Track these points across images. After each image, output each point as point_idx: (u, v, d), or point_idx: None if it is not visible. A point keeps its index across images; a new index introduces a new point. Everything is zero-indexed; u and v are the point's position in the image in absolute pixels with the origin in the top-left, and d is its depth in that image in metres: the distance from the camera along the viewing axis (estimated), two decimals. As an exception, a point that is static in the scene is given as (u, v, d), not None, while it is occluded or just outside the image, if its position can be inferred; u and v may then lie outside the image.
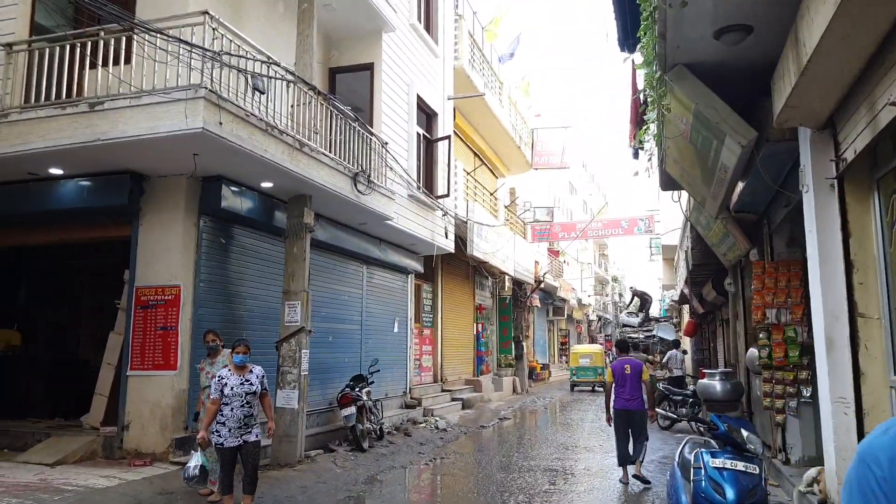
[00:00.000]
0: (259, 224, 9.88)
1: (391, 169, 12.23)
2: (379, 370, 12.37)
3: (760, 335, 8.06)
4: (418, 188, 13.63)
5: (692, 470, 5.02)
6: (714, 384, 10.72)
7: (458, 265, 18.93)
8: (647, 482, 8.30)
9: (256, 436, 6.21)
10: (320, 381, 11.61)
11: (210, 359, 7.41)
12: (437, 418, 14.71)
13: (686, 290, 17.28)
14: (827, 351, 4.98)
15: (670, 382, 16.45)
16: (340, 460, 9.95)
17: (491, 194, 20.46)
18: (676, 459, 5.75)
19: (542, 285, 27.70)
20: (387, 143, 12.08)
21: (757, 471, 4.85)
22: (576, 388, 25.58)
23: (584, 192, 50.13)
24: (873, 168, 4.74)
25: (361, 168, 10.77)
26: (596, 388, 24.74)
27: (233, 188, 9.07)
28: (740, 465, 4.83)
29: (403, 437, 12.46)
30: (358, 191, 10.59)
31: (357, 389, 11.36)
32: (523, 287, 25.22)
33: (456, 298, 19.47)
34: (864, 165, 4.75)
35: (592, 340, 48.57)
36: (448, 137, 15.07)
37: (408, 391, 15.33)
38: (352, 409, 10.77)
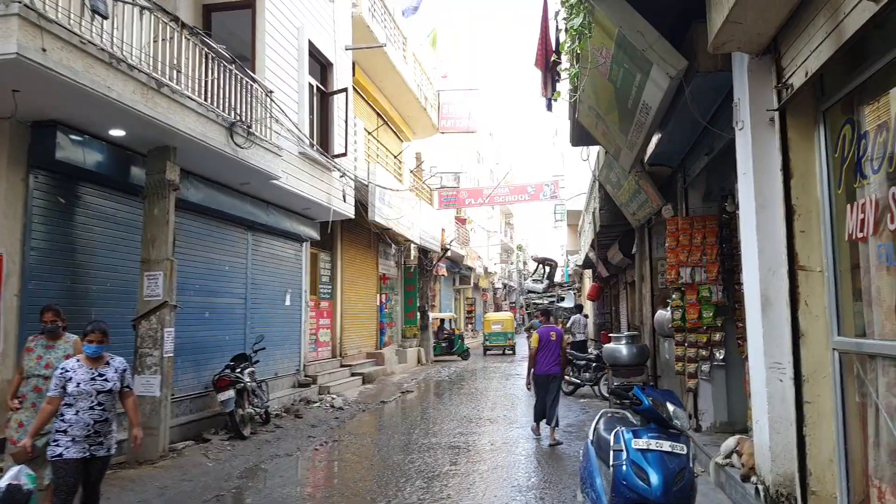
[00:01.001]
0: (110, 181, 8.36)
1: (277, 121, 10.90)
2: (265, 348, 11.15)
3: (673, 296, 7.50)
4: (311, 145, 12.34)
5: (612, 452, 4.27)
6: (620, 348, 10.28)
7: (360, 232, 17.77)
8: (559, 442, 8.83)
9: (109, 450, 4.79)
10: (194, 363, 10.31)
11: (46, 341, 5.98)
12: (334, 396, 13.67)
13: (591, 254, 16.94)
14: (762, 310, 4.31)
15: (573, 347, 16.14)
16: (214, 451, 8.77)
17: (395, 157, 19.34)
18: (591, 437, 5.01)
19: (449, 253, 27.00)
20: (272, 92, 10.72)
21: (684, 450, 4.15)
22: (488, 353, 27.29)
23: (490, 160, 49.73)
24: (819, 99, 4.05)
25: (240, 118, 9.43)
26: (506, 351, 27.06)
27: (72, 136, 7.54)
28: (666, 445, 4.12)
29: (293, 420, 11.35)
30: (235, 143, 9.24)
31: (238, 370, 10.16)
32: (429, 255, 24.40)
33: (357, 268, 18.35)
34: (809, 95, 4.05)
35: (498, 308, 48.77)
36: (345, 90, 13.79)
37: (301, 369, 14.17)
38: (230, 393, 9.56)
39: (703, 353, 7.24)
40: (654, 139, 6.93)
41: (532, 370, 9.07)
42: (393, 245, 20.24)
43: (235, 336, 11.60)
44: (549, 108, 8.66)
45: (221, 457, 8.54)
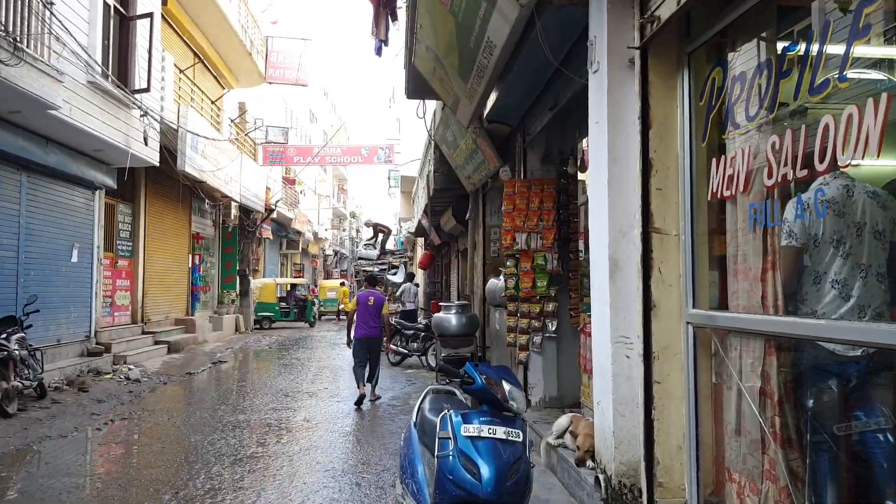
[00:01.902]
0: None
1: (59, 40, 8.98)
2: (38, 310, 9.33)
3: (507, 263, 7.05)
4: (104, 74, 10.44)
5: (437, 440, 3.59)
6: (449, 318, 9.79)
7: (169, 184, 15.78)
8: (378, 397, 9.48)
9: None
10: (-58, 327, 8.38)
11: None
12: (130, 367, 12.00)
13: (424, 221, 16.44)
14: (610, 277, 3.81)
15: (402, 316, 15.61)
16: (-38, 435, 7.11)
17: (212, 103, 17.41)
18: (414, 418, 4.30)
19: (275, 215, 25.33)
20: (52, 4, 8.80)
21: (520, 437, 3.57)
22: (322, 318, 29.05)
23: (325, 121, 47.76)
24: (684, 40, 3.58)
25: (4, 28, 7.57)
26: (340, 316, 28.46)
27: None
28: (500, 432, 3.51)
29: (76, 394, 9.70)
30: (-6, 57, 7.41)
31: (3, 336, 8.41)
32: (252, 216, 22.63)
33: (166, 224, 16.37)
34: (674, 34, 3.57)
35: (328, 276, 47.52)
36: (150, 15, 11.87)
37: (92, 335, 12.28)
38: (-14, 364, 7.82)
39: (536, 324, 6.86)
40: (494, 94, 6.35)
41: (352, 333, 9.37)
42: (209, 202, 18.33)
43: (3, 295, 9.63)
44: (379, 52, 7.78)
45: (-34, 442, 6.94)
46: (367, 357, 9.20)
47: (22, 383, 8.45)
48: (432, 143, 11.66)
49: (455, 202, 12.98)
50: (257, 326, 23.13)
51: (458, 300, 13.70)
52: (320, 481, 5.75)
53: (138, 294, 14.72)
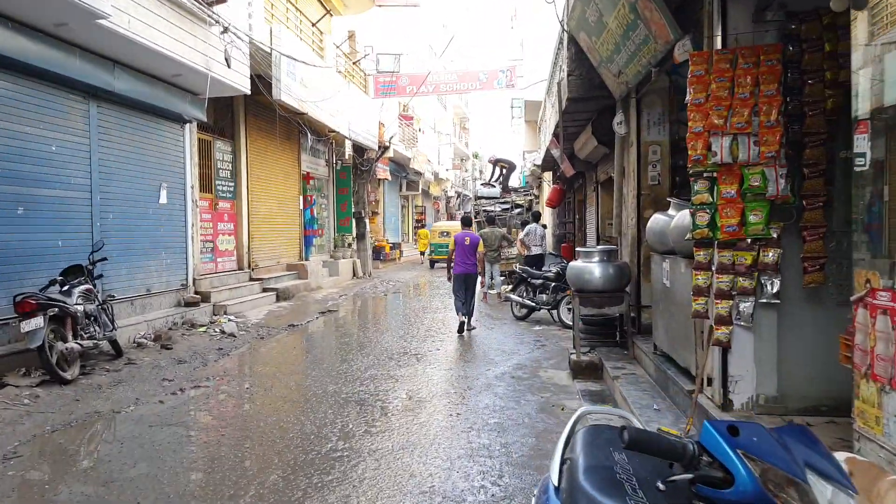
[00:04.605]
0: None
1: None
2: (106, 258, 8.16)
3: (696, 186, 4.56)
4: (173, -19, 8.83)
5: None
6: (591, 268, 7.52)
7: (272, 119, 14.33)
8: (473, 327, 10.29)
9: None
10: (1, 276, 7.33)
11: None
12: (230, 318, 10.83)
13: (554, 150, 13.99)
14: None
15: (528, 262, 13.43)
16: (3, 406, 5.95)
17: (313, 25, 15.67)
18: (555, 476, 1.93)
19: (391, 153, 23.73)
20: None
21: None
22: (436, 265, 24.09)
23: (445, 56, 45.43)
24: None
25: None
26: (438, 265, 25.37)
27: None
28: None
29: (158, 352, 8.53)
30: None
31: (65, 288, 7.26)
32: (366, 154, 21.11)
33: (271, 163, 15.09)
34: None
35: (451, 218, 46.05)
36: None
37: (189, 283, 11.19)
38: (37, 321, 6.62)
39: (745, 283, 4.36)
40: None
41: (451, 270, 10.24)
42: (317, 137, 16.83)
43: (76, 241, 8.54)
44: None
45: (6, 416, 5.75)
46: (465, 291, 10.04)
47: (80, 344, 7.19)
48: (564, 39, 9.16)
49: (596, 117, 10.45)
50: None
51: (599, 244, 11.33)
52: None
53: (243, 238, 13.58)
